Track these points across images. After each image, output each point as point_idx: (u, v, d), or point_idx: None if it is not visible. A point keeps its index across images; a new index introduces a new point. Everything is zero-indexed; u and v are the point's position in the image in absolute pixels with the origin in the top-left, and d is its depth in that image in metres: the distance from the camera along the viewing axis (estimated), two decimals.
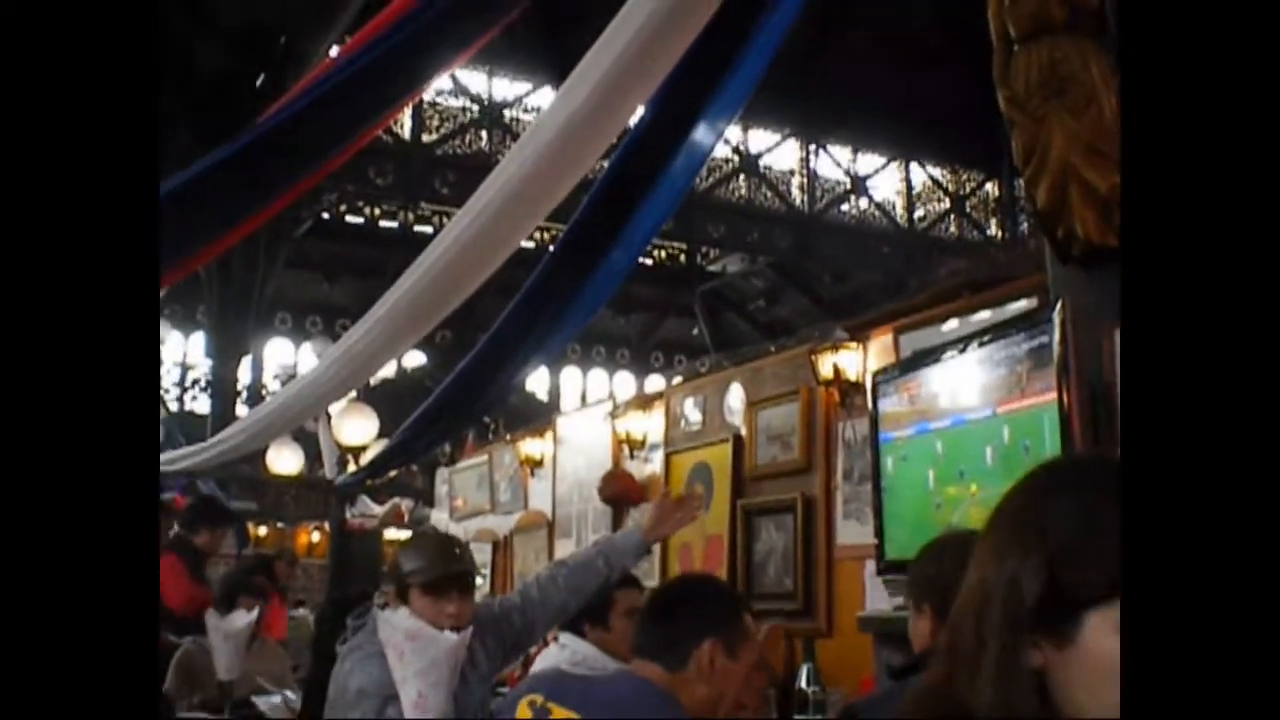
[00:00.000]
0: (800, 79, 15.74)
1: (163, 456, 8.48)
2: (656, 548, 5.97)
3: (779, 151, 18.08)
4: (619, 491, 6.81)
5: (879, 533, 4.50)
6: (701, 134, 4.15)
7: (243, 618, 5.10)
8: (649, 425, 6.76)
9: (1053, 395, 3.61)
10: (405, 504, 11.82)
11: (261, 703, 5.23)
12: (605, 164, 4.46)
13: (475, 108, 16.08)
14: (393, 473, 9.31)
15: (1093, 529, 1.08)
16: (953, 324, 4.73)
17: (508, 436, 8.86)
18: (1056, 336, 3.60)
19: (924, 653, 2.57)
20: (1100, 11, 3.93)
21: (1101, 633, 1.07)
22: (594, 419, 7.43)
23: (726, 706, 2.49)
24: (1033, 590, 1.10)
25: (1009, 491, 1.22)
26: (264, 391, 16.47)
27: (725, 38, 3.81)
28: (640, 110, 4.00)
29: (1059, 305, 3.67)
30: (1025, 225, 18.90)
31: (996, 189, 19.64)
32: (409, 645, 3.06)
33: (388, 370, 16.10)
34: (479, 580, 8.89)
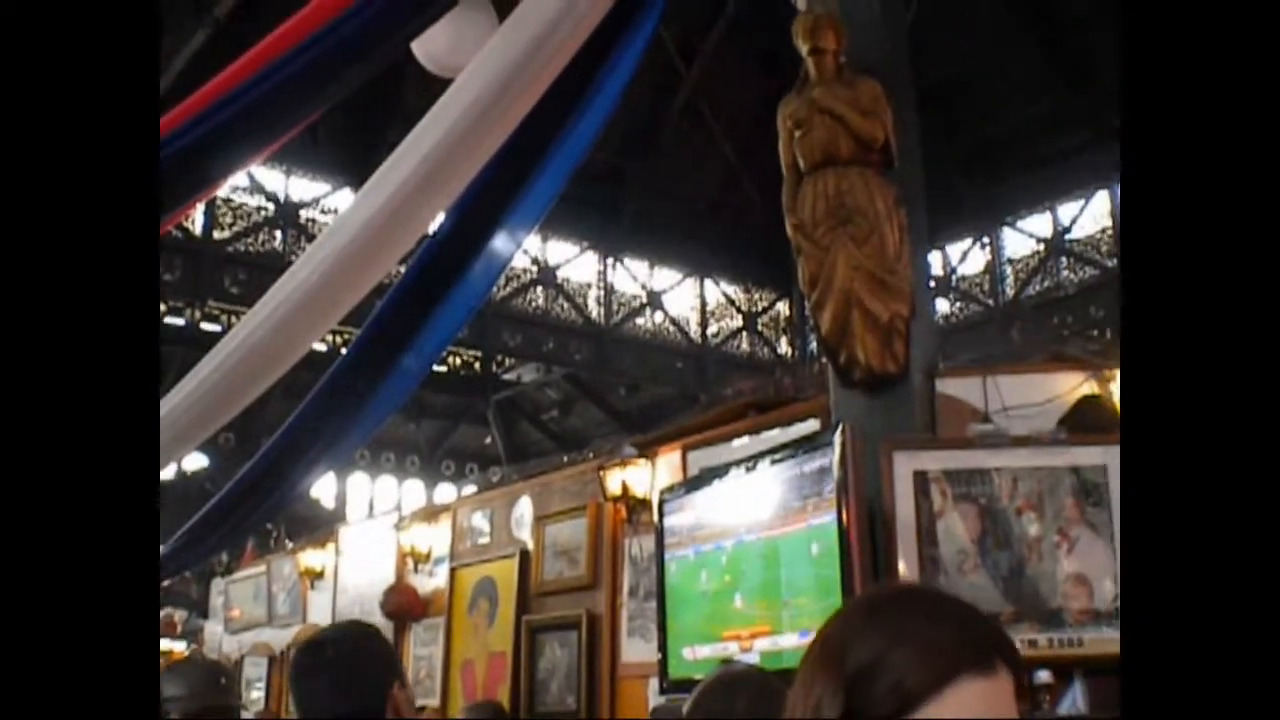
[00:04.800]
0: (600, 193, 16.01)
1: None
2: (438, 665, 5.83)
3: (577, 264, 18.25)
4: (401, 606, 6.65)
5: (662, 650, 4.49)
6: (501, 243, 4.15)
7: None
8: (435, 538, 6.64)
9: (833, 515, 3.69)
10: (178, 614, 11.29)
11: None
12: (402, 269, 4.42)
13: (271, 206, 15.80)
14: (166, 582, 8.89)
15: (885, 650, 1.12)
16: (744, 441, 4.81)
17: (289, 545, 8.58)
18: (836, 457, 3.69)
19: None
20: (886, 146, 4.13)
21: None
22: (379, 530, 7.27)
23: None
24: (832, 711, 1.13)
25: (821, 625, 1.28)
26: None
27: (527, 149, 3.85)
28: (440, 216, 3.99)
29: (840, 428, 3.77)
30: (814, 345, 19.48)
31: (787, 309, 20.22)
32: None
33: (167, 473, 15.46)
34: (255, 694, 8.57)
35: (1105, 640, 3.62)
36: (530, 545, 5.83)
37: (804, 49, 4.16)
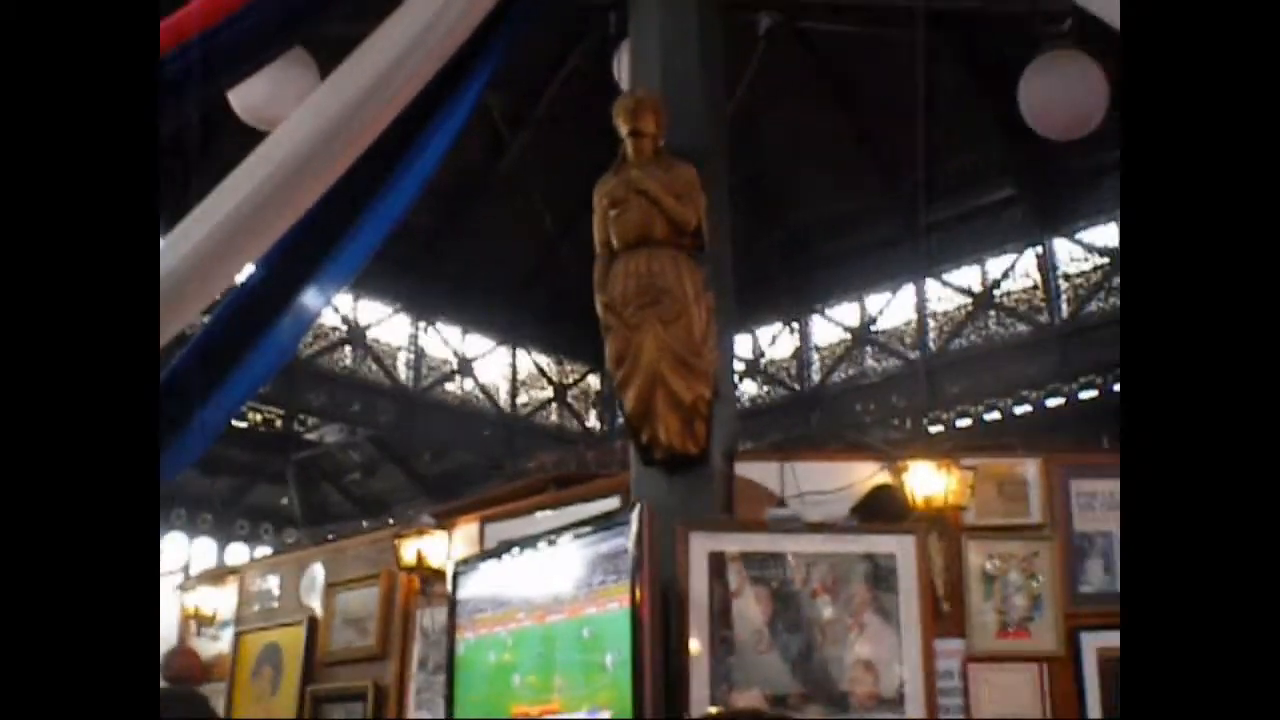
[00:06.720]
0: (416, 255, 15.87)
1: None
2: None
3: (388, 325, 18.01)
4: (183, 670, 6.36)
5: None
6: (310, 299, 4.08)
7: None
8: (221, 600, 6.41)
9: (626, 594, 3.69)
10: None
11: None
12: (205, 319, 4.31)
13: None
14: None
15: None
16: (546, 514, 4.80)
17: None
18: (632, 536, 3.70)
19: None
20: (699, 231, 4.20)
21: None
22: (162, 590, 6.98)
23: None
24: None
25: None
26: None
27: (344, 205, 3.80)
28: (250, 267, 3.91)
29: (638, 506, 3.79)
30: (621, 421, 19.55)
31: (598, 382, 20.30)
32: None
33: None
34: None
35: None
36: (320, 612, 5.67)
37: (624, 130, 4.22)
